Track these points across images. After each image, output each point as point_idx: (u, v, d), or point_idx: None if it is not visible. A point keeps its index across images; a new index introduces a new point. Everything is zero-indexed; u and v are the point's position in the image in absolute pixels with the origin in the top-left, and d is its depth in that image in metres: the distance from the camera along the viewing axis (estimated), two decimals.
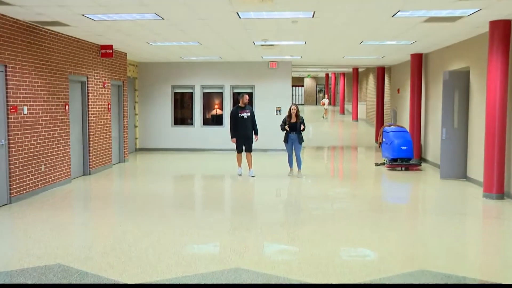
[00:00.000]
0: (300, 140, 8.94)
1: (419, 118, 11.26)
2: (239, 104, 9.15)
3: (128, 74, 12.65)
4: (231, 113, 9.12)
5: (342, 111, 28.66)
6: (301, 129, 8.84)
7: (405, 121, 12.99)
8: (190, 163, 11.50)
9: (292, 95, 41.52)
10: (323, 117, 26.50)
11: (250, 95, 13.28)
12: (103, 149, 10.04)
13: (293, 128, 8.92)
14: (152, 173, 9.90)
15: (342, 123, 23.87)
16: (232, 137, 9.10)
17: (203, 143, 13.59)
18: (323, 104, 27.54)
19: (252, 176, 9.10)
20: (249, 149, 9.18)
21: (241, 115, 9.02)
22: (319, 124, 23.03)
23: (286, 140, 9.06)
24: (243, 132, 9.02)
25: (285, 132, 9.06)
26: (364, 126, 21.76)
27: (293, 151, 9.06)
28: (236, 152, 9.27)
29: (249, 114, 9.09)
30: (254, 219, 5.98)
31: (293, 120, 8.99)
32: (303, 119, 9.00)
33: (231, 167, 10.22)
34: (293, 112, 8.98)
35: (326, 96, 28.78)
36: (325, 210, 6.58)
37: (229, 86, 13.56)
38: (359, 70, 24.13)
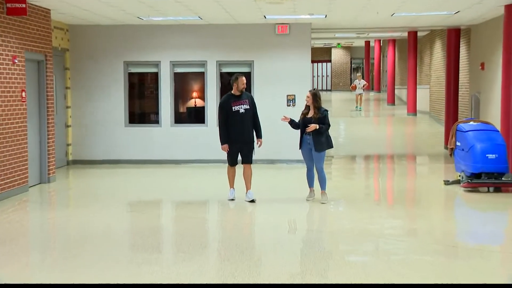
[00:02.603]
0: (321, 145, 8.90)
1: None
2: (232, 92, 9.16)
3: (54, 44, 12.69)
4: (220, 105, 9.16)
5: (391, 100, 28.75)
6: (319, 129, 8.79)
7: (494, 114, 12.96)
8: (155, 182, 11.52)
9: (313, 76, 41.76)
10: (356, 108, 26.57)
11: (247, 76, 13.28)
12: (12, 163, 9.97)
13: (307, 126, 8.90)
14: (94, 199, 9.93)
15: (391, 118, 23.92)
16: (222, 142, 9.13)
17: (174, 151, 13.62)
18: (354, 88, 27.40)
19: (251, 201, 9.12)
20: (247, 160, 9.21)
21: (235, 108, 9.04)
22: (353, 121, 23.11)
23: (300, 145, 9.07)
24: (239, 134, 9.06)
25: (300, 134, 9.06)
26: (426, 122, 21.82)
27: (313, 163, 9.05)
28: (228, 164, 9.27)
29: (247, 107, 9.10)
30: (254, 270, 5.98)
31: (310, 114, 8.99)
32: (327, 113, 8.99)
33: (218, 187, 10.22)
34: (306, 99, 8.99)
35: (359, 75, 28.53)
36: (367, 255, 6.58)
37: (214, 63, 13.61)
38: (419, 35, 24.25)
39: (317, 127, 8.71)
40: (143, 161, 13.52)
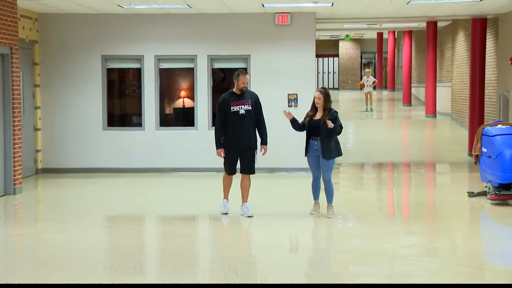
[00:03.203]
0: (330, 152, 8.87)
1: None
2: (234, 89, 9.16)
3: (21, 35, 12.67)
4: (219, 104, 9.15)
5: (407, 100, 28.82)
6: (333, 129, 8.79)
7: None
8: (137, 194, 11.51)
9: (318, 73, 41.84)
10: (366, 109, 26.66)
11: None
12: None
13: (316, 130, 8.92)
14: (67, 214, 9.91)
15: (407, 121, 23.96)
16: (217, 146, 9.12)
17: (160, 158, 13.61)
18: (362, 86, 27.32)
19: (249, 216, 9.11)
20: (246, 170, 9.18)
21: (235, 108, 9.02)
22: (364, 124, 23.14)
23: (306, 152, 9.06)
24: (237, 139, 9.02)
25: (306, 139, 9.05)
26: (447, 125, 21.86)
27: (321, 172, 9.04)
28: (224, 172, 9.27)
29: (249, 108, 9.07)
30: None
31: (318, 115, 9.00)
32: (337, 114, 8.98)
33: (210, 200, 10.20)
34: (316, 100, 8.97)
35: (368, 71, 28.38)
36: (380, 278, 6.57)
37: (205, 58, 13.61)
38: (439, 25, 24.31)
39: (333, 125, 8.72)
40: (124, 170, 13.49)
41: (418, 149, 17.93)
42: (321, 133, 8.83)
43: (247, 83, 9.11)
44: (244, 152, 9.07)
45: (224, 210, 9.21)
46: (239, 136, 9.01)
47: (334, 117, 8.85)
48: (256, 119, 9.11)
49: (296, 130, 9.23)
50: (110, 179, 12.93)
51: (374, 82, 26.95)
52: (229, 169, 9.19)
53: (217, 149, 9.09)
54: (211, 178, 12.51)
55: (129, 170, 13.47)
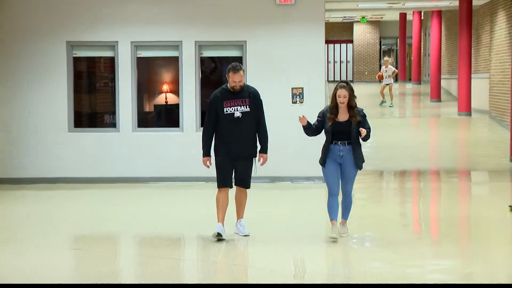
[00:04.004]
0: (360, 160, 8.90)
1: None
2: (227, 86, 9.06)
3: None
4: (210, 102, 9.06)
5: (436, 95, 28.84)
6: (362, 136, 8.78)
7: None
8: (111, 209, 11.49)
9: (329, 62, 41.90)
10: (382, 102, 26.78)
11: (238, 61, 13.24)
12: None
13: (340, 133, 8.84)
14: (24, 233, 9.85)
15: (436, 119, 23.96)
16: (204, 153, 9.05)
17: (138, 166, 13.59)
18: (380, 78, 27.44)
19: (245, 235, 9.11)
20: (242, 183, 9.11)
21: (228, 110, 8.90)
22: (384, 124, 23.08)
23: (324, 160, 8.94)
24: (232, 147, 8.94)
25: (325, 143, 8.99)
26: (485, 125, 21.88)
27: (341, 184, 8.98)
28: (218, 187, 9.15)
29: (247, 110, 8.95)
30: None
31: (344, 116, 8.90)
32: (365, 116, 8.95)
33: (199, 216, 10.17)
34: (341, 99, 8.83)
35: (387, 60, 28.45)
36: None
37: (192, 45, 13.60)
38: (474, 4, 24.31)
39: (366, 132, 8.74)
40: (94, 180, 13.48)
41: (449, 154, 17.91)
42: (352, 138, 8.83)
43: (239, 82, 8.87)
44: (240, 161, 9.01)
45: (217, 233, 8.93)
46: (234, 143, 8.92)
47: (364, 118, 8.88)
48: (256, 122, 9.02)
49: (309, 135, 9.12)
50: (77, 191, 12.91)
51: (394, 72, 26.96)
52: (223, 181, 9.03)
53: (203, 156, 9.03)
54: (200, 189, 12.49)
55: (101, 180, 13.45)
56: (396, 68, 33.57)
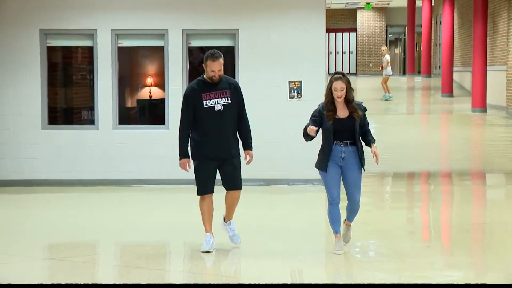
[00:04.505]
0: (363, 159, 8.75)
1: None
2: (204, 77, 9.00)
3: None
4: (185, 97, 8.99)
5: (448, 89, 28.86)
6: (368, 138, 8.73)
7: None
8: (89, 214, 11.47)
9: (330, 53, 41.89)
10: (385, 97, 26.95)
11: (229, 53, 13.32)
12: None
13: (341, 132, 8.65)
14: None
15: (447, 116, 23.96)
16: (181, 155, 8.92)
17: (119, 167, 13.59)
18: (383, 69, 28.26)
19: (236, 244, 9.09)
20: (233, 184, 8.96)
21: (208, 103, 8.81)
22: (389, 121, 23.11)
23: (324, 164, 8.71)
24: (215, 145, 8.81)
25: (322, 145, 8.84)
26: (501, 122, 21.91)
27: (346, 192, 8.81)
28: (199, 194, 9.03)
29: (228, 102, 8.84)
30: None
31: (343, 111, 8.70)
32: (366, 110, 8.80)
33: (185, 221, 10.18)
34: (338, 93, 8.61)
35: (385, 49, 28.85)
36: None
37: (179, 33, 13.61)
38: None
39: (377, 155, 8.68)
40: (71, 182, 13.47)
41: (462, 154, 17.92)
42: (353, 138, 8.68)
43: (219, 71, 8.77)
44: (224, 163, 8.91)
45: (206, 248, 8.90)
46: (217, 141, 8.78)
47: (364, 114, 8.76)
48: (238, 116, 8.93)
49: (308, 140, 8.86)
50: (52, 194, 12.90)
51: (387, 61, 27.47)
52: (204, 187, 8.90)
53: (180, 159, 8.89)
54: (188, 192, 12.45)
55: (78, 183, 13.45)
56: (404, 60, 33.68)
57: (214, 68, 8.74)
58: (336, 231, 8.82)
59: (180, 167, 9.00)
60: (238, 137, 9.05)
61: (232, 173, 8.97)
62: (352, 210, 8.94)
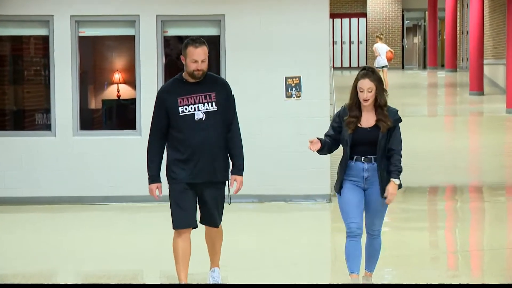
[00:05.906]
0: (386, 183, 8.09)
1: None
2: (182, 76, 8.45)
3: None
4: (158, 100, 8.49)
5: (478, 86, 28.93)
6: (391, 168, 7.99)
7: None
8: (45, 238, 11.52)
9: (335, 43, 41.98)
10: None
11: (214, 42, 13.44)
12: None
13: (362, 146, 8.09)
14: None
15: (477, 119, 24.04)
16: (152, 178, 8.40)
17: (80, 182, 13.64)
18: (389, 60, 29.20)
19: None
20: (212, 219, 8.43)
21: (184, 109, 8.23)
22: (409, 124, 22.89)
23: (338, 186, 8.23)
24: (195, 165, 8.26)
25: (342, 159, 8.34)
26: None
27: (365, 219, 8.30)
28: (174, 227, 8.46)
29: (213, 108, 8.25)
30: None
31: (369, 119, 8.10)
32: (400, 120, 8.13)
33: (161, 245, 10.24)
34: (364, 94, 7.99)
35: (379, 37, 29.32)
36: None
37: (153, 20, 13.67)
38: None
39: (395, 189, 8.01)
40: (23, 201, 13.51)
41: (495, 165, 18.00)
42: (378, 152, 8.10)
43: (202, 63, 8.15)
44: (207, 187, 8.37)
45: None
46: (196, 163, 8.22)
47: (398, 124, 8.13)
48: (226, 126, 8.33)
49: (325, 154, 8.49)
50: (1, 215, 12.93)
51: (387, 51, 28.15)
52: (182, 219, 8.31)
53: (150, 183, 8.41)
54: (164, 211, 12.49)
55: (31, 201, 13.48)
56: (424, 51, 33.80)
57: (197, 58, 8.10)
58: (352, 270, 8.20)
59: (149, 193, 8.52)
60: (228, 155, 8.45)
61: (212, 204, 8.40)
62: (372, 251, 8.44)
